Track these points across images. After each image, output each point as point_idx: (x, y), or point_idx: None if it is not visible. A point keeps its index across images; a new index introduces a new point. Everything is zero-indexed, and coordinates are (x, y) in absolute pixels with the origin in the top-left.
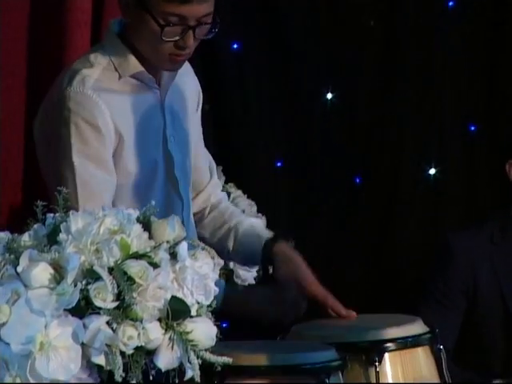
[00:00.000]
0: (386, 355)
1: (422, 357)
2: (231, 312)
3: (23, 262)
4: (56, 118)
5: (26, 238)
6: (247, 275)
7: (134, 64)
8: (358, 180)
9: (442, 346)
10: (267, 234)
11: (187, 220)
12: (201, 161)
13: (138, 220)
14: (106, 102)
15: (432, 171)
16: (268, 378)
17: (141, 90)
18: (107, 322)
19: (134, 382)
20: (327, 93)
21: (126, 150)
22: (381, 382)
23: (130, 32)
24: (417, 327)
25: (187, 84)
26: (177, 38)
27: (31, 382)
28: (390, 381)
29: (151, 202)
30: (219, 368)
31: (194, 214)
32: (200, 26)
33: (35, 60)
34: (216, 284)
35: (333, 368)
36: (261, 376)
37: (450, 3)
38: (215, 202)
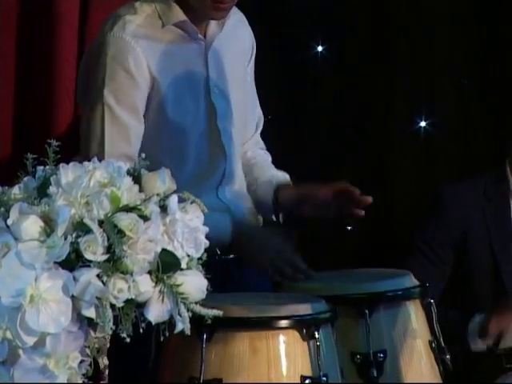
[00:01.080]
0: (380, 308)
1: (412, 310)
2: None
3: (13, 214)
4: (95, 61)
5: (16, 190)
6: None
7: (177, 13)
8: (348, 132)
9: (432, 300)
10: (280, 184)
11: (230, 170)
12: (248, 114)
13: (128, 173)
14: (144, 49)
15: (422, 124)
16: (258, 330)
17: (184, 40)
18: (97, 275)
19: (125, 334)
20: (318, 45)
21: (163, 97)
22: (371, 334)
23: None
24: (407, 281)
25: (240, 36)
26: None
27: (22, 336)
28: (388, 333)
29: (188, 151)
30: (209, 321)
31: None
32: None
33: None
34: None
35: (323, 320)
36: (250, 328)
37: None
38: (250, 156)
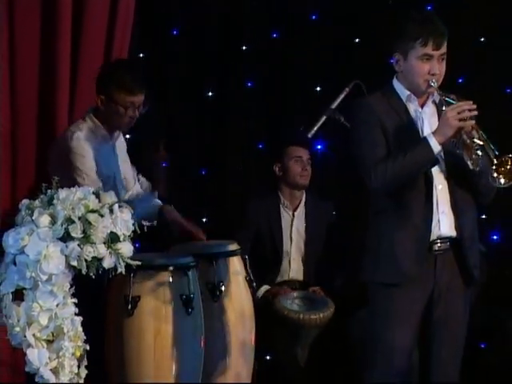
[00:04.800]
0: (220, 260)
1: (236, 262)
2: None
3: (35, 214)
4: (66, 155)
5: (37, 202)
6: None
7: (100, 128)
8: (203, 172)
9: (246, 256)
10: (159, 204)
11: (123, 197)
12: (129, 173)
13: (93, 193)
14: (88, 146)
15: (241, 169)
16: (159, 271)
17: (104, 139)
18: (78, 245)
19: (91, 274)
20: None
21: (98, 168)
22: (216, 273)
23: (104, 113)
24: (234, 246)
25: (122, 137)
26: (131, 114)
27: (40, 275)
28: (224, 273)
29: (104, 187)
30: (134, 267)
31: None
32: (140, 107)
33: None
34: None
35: (191, 266)
36: (155, 269)
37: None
38: (134, 193)
